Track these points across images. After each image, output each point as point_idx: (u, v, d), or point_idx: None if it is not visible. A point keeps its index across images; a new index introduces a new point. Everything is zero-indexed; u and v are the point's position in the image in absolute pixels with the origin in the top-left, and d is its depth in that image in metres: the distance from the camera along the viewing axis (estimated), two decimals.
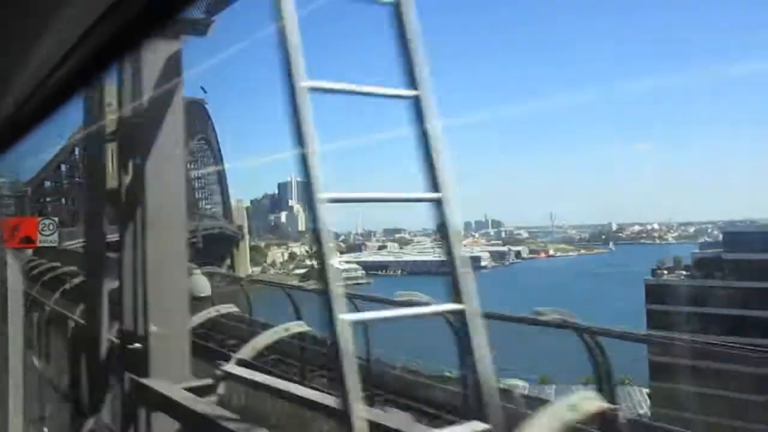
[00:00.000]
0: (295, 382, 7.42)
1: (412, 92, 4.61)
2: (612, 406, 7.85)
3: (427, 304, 7.26)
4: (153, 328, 6.24)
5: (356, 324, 3.94)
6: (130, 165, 7.52)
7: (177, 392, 5.77)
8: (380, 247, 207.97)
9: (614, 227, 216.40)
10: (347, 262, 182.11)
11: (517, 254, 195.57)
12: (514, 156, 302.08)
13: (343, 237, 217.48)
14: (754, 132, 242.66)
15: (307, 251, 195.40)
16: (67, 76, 2.17)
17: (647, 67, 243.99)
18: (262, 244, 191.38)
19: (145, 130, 7.03)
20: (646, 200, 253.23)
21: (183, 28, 6.76)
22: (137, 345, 6.43)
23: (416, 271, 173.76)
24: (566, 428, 6.17)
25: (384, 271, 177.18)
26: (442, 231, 4.49)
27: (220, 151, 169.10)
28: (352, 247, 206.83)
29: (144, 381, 6.21)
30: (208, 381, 6.12)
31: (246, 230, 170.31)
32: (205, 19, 6.97)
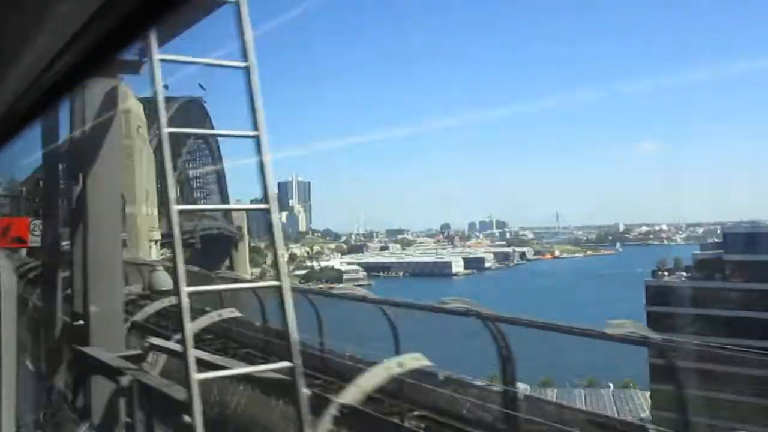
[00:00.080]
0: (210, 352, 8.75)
1: (254, 132, 6.41)
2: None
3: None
4: (93, 308, 7.89)
5: (193, 294, 6.17)
6: (79, 179, 9.07)
7: (112, 359, 7.25)
8: (382, 248, 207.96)
9: (621, 228, 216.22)
10: (348, 263, 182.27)
11: (522, 255, 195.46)
12: (520, 156, 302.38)
13: (344, 238, 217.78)
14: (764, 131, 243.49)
15: (307, 252, 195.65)
16: (60, 75, 2.16)
17: (652, 65, 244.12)
18: (262, 245, 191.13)
19: (87, 152, 8.76)
20: (654, 201, 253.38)
21: (120, 68, 8.32)
22: (81, 322, 8.04)
23: (418, 272, 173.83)
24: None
25: (386, 272, 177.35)
26: (269, 230, 6.55)
27: (219, 150, 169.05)
28: (353, 247, 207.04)
29: (85, 349, 7.70)
30: (139, 351, 7.55)
31: (245, 231, 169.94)
32: (138, 60, 8.29)
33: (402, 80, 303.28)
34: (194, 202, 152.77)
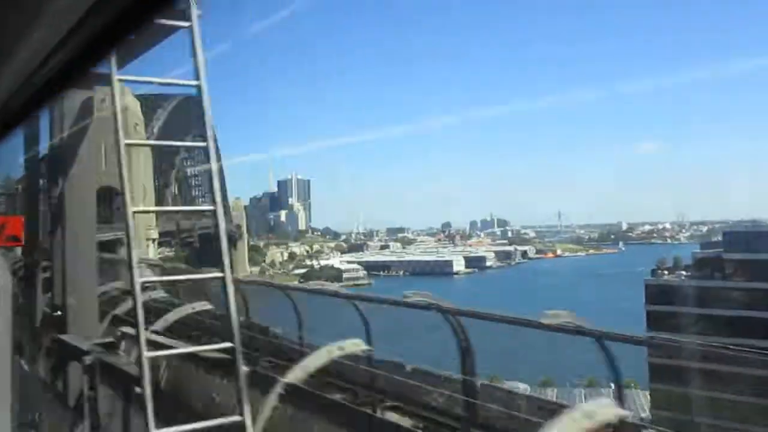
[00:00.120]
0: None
1: (203, 143, 7.51)
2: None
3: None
4: (70, 300, 8.91)
5: (147, 284, 7.66)
6: (59, 182, 10.04)
7: (84, 345, 8.32)
8: (382, 247, 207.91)
9: (624, 227, 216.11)
10: (348, 262, 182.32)
11: (524, 254, 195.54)
12: (521, 154, 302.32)
13: (344, 236, 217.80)
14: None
15: (307, 251, 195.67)
16: (54, 71, 2.16)
17: (653, 64, 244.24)
18: (261, 244, 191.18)
19: (67, 158, 9.66)
20: (658, 199, 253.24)
21: (94, 80, 9.00)
22: (59, 312, 9.09)
23: (419, 271, 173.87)
24: None
25: (386, 271, 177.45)
26: (216, 230, 7.37)
27: (217, 148, 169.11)
28: (353, 246, 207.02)
29: (62, 337, 8.78)
30: (112, 339, 8.58)
31: (244, 229, 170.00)
32: (109, 74, 8.58)
33: (403, 79, 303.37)
34: (192, 200, 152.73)
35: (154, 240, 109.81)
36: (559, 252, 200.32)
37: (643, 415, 54.67)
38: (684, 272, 65.20)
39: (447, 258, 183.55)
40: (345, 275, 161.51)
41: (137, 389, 6.65)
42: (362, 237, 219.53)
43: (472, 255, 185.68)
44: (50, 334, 8.68)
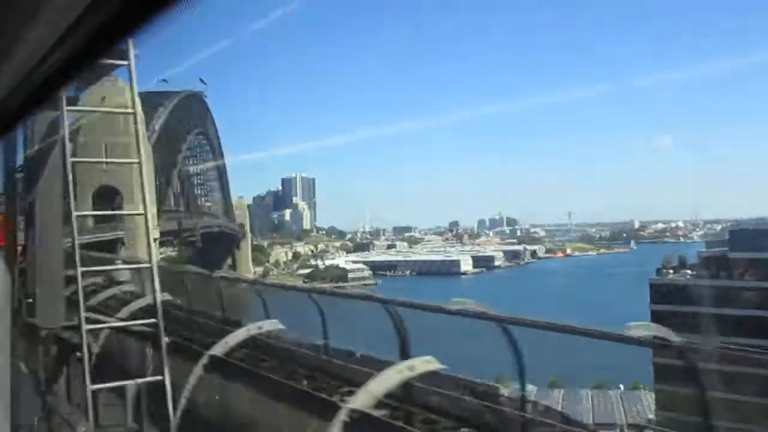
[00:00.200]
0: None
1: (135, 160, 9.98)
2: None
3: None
4: (37, 289, 10.03)
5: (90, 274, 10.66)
6: (33, 190, 10.99)
7: (53, 326, 9.91)
8: (389, 246, 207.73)
9: (636, 225, 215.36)
10: (354, 261, 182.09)
11: (533, 253, 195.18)
12: (531, 151, 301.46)
13: (350, 235, 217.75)
14: None
15: (312, 250, 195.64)
16: (53, 70, 2.18)
17: (661, 59, 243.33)
18: (265, 244, 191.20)
19: (38, 170, 10.76)
20: (671, 196, 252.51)
21: (62, 101, 9.94)
22: (30, 300, 10.10)
23: (425, 271, 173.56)
24: None
25: (392, 271, 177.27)
26: (146, 231, 9.18)
27: (220, 146, 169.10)
28: (359, 246, 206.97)
29: (31, 320, 9.89)
30: (75, 322, 9.59)
31: (248, 229, 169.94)
32: (75, 96, 10.59)
33: (412, 75, 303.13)
34: (195, 199, 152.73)
35: (155, 240, 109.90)
36: (569, 251, 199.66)
37: (650, 416, 54.73)
38: (689, 271, 65.06)
39: (454, 258, 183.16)
40: (350, 275, 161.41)
41: (78, 354, 8.92)
42: (368, 236, 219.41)
43: (480, 254, 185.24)
44: (23, 318, 10.09)
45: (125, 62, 9.50)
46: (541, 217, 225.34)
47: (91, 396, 8.78)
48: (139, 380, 9.16)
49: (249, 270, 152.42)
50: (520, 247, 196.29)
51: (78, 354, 9.04)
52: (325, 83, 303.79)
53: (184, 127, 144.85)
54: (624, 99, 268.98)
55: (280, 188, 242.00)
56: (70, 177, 9.81)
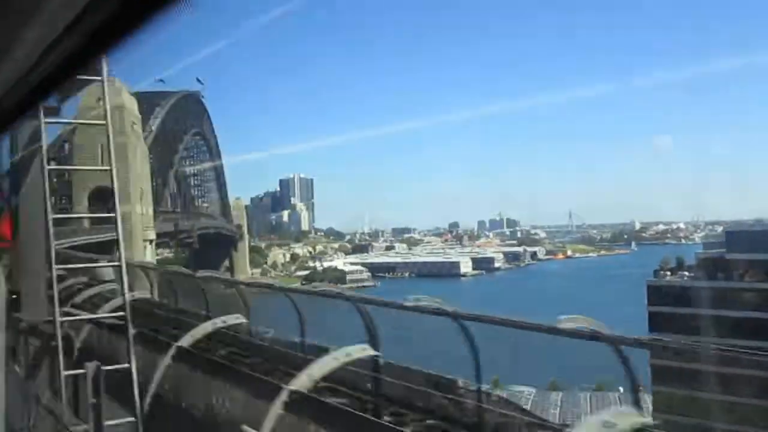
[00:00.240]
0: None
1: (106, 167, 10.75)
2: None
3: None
4: (22, 287, 10.98)
5: (60, 269, 11.56)
6: (14, 198, 11.85)
7: (38, 322, 10.94)
8: (388, 248, 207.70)
9: (637, 226, 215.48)
10: (352, 263, 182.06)
11: (533, 255, 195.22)
12: (532, 151, 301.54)
13: (348, 237, 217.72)
14: None
15: (310, 252, 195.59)
16: (51, 69, 2.18)
17: (664, 58, 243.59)
18: (263, 245, 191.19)
19: (20, 178, 11.58)
20: (672, 197, 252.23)
21: (42, 113, 10.62)
22: (14, 295, 10.84)
23: (425, 273, 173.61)
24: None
25: (391, 273, 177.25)
26: (116, 232, 10.38)
27: (217, 146, 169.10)
28: (358, 247, 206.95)
29: (16, 315, 10.75)
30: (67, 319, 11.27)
31: (245, 230, 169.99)
32: (57, 106, 11.05)
33: (411, 75, 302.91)
34: (192, 200, 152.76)
35: (151, 241, 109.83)
36: (569, 253, 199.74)
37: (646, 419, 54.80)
38: (687, 273, 65.04)
39: (454, 259, 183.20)
40: (348, 277, 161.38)
41: (53, 343, 10.04)
42: (367, 237, 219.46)
43: (480, 256, 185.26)
44: (9, 313, 10.54)
45: (99, 78, 10.62)
46: (541, 218, 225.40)
47: (65, 380, 9.92)
48: (109, 367, 9.92)
49: (246, 272, 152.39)
50: (520, 249, 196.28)
51: (53, 342, 10.24)
52: (323, 83, 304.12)
53: (181, 127, 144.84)
54: (625, 99, 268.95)
55: (278, 189, 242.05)
56: (47, 184, 10.90)
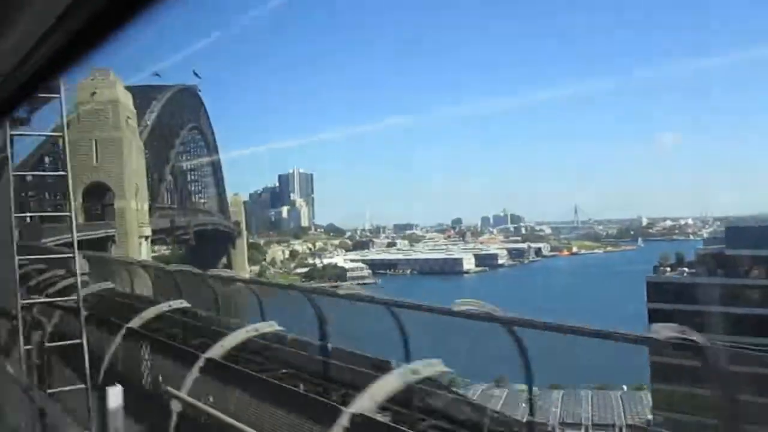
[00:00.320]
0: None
1: (62, 173, 14.16)
2: None
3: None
4: None
5: (23, 260, 14.42)
6: None
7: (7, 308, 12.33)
8: (389, 244, 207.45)
9: (644, 222, 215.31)
10: (352, 260, 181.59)
11: (537, 252, 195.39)
12: (537, 146, 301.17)
13: (349, 233, 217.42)
14: None
15: (309, 249, 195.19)
16: (37, 67, 2.34)
17: (668, 55, 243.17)
18: (262, 242, 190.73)
19: None
20: (680, 193, 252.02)
21: (10, 122, 11.29)
22: None
23: (427, 270, 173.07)
24: None
25: (392, 269, 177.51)
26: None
27: (214, 141, 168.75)
28: (358, 243, 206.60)
29: None
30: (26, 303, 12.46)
31: (243, 226, 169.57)
32: (27, 117, 11.89)
33: (415, 69, 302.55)
34: (189, 196, 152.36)
35: (147, 237, 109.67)
36: (575, 249, 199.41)
37: (649, 417, 54.84)
38: (687, 269, 64.99)
39: (457, 256, 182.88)
40: (349, 274, 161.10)
41: (14, 323, 11.69)
42: (368, 234, 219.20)
43: (484, 253, 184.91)
44: None
45: (57, 95, 11.45)
46: (546, 214, 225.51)
47: (25, 354, 11.83)
48: (62, 343, 12.30)
49: (245, 269, 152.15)
50: (524, 245, 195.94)
51: (13, 322, 11.93)
52: (323, 77, 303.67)
53: (178, 121, 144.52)
54: (632, 93, 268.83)
55: (277, 184, 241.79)
56: (12, 189, 12.25)
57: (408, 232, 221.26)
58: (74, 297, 12.51)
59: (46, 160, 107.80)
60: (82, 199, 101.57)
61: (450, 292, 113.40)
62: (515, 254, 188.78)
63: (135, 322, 13.75)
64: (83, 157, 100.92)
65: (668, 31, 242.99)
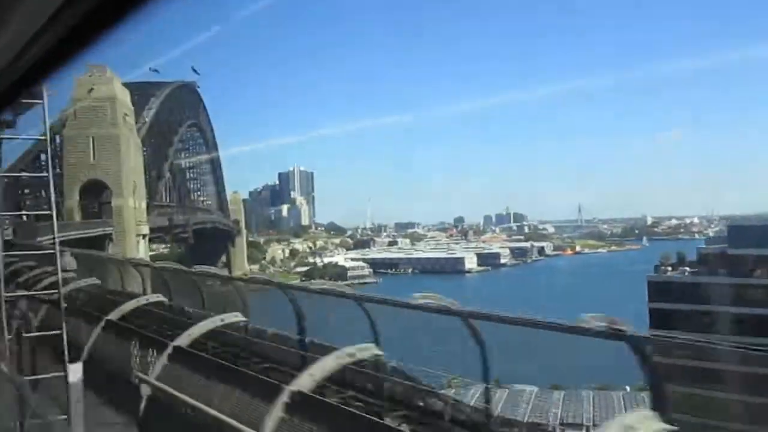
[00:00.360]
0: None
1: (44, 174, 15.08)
2: None
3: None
4: None
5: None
6: None
7: None
8: (390, 243, 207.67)
9: (649, 221, 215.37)
10: (353, 259, 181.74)
11: (540, 251, 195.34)
12: (540, 143, 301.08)
13: (350, 232, 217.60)
14: None
15: (310, 247, 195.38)
16: (36, 59, 2.30)
17: (680, 47, 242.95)
18: (261, 240, 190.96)
19: None
20: (686, 192, 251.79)
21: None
22: None
23: (428, 269, 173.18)
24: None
25: (394, 269, 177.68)
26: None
27: (214, 138, 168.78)
28: (359, 242, 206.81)
29: None
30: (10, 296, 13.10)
31: (243, 225, 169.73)
32: (12, 119, 11.77)
33: (416, 65, 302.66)
34: (187, 194, 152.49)
35: (144, 236, 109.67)
36: (578, 248, 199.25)
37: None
38: (688, 268, 64.86)
39: (459, 255, 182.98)
40: (349, 273, 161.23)
41: None
42: (369, 233, 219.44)
43: (486, 252, 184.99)
44: None
45: (40, 101, 11.35)
46: (550, 212, 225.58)
47: (8, 344, 12.51)
48: (43, 333, 13.08)
49: (244, 268, 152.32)
50: (527, 244, 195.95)
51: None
52: (324, 72, 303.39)
53: (176, 118, 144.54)
54: (637, 90, 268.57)
55: (278, 182, 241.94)
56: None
57: (410, 230, 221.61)
58: (55, 291, 13.43)
59: (42, 157, 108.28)
60: (79, 196, 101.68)
61: (451, 291, 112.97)
62: (518, 253, 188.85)
63: (114, 315, 14.89)
64: (80, 154, 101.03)
65: (667, 25, 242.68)
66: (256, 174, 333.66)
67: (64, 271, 19.77)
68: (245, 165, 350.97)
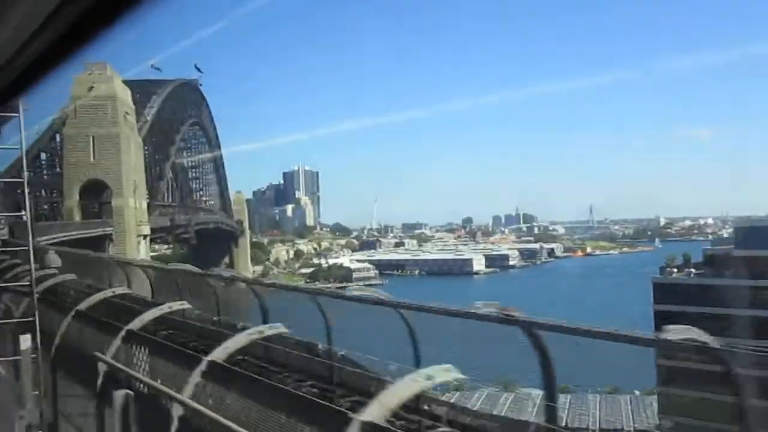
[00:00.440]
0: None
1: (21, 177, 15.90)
2: None
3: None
4: None
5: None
6: None
7: None
8: (397, 244, 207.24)
9: (662, 222, 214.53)
10: (359, 260, 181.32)
11: (550, 252, 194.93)
12: (551, 142, 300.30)
13: (356, 233, 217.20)
14: None
15: (315, 248, 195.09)
16: (35, 56, 2.41)
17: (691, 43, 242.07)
18: (265, 241, 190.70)
19: None
20: (700, 192, 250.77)
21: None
22: None
23: (436, 270, 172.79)
24: None
25: (400, 270, 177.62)
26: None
27: (216, 137, 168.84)
28: (365, 243, 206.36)
29: None
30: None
31: (246, 225, 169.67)
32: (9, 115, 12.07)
33: (425, 63, 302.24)
34: (190, 193, 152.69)
35: (145, 236, 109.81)
36: (589, 250, 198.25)
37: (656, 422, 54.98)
38: (694, 270, 64.93)
39: (466, 256, 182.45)
40: (355, 275, 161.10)
41: None
42: (375, 233, 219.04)
43: (494, 253, 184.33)
44: None
45: (16, 114, 11.94)
46: (560, 213, 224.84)
47: None
48: (15, 320, 14.66)
49: (248, 269, 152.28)
50: (536, 246, 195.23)
51: None
52: (328, 71, 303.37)
53: (178, 117, 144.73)
54: (650, 88, 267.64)
55: (282, 182, 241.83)
56: None
57: (417, 231, 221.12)
58: (27, 282, 14.76)
59: (42, 156, 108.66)
60: (78, 196, 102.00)
61: (458, 293, 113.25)
62: (527, 255, 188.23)
63: (82, 305, 16.11)
64: (80, 153, 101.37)
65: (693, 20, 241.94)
66: (260, 173, 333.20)
67: (48, 267, 22.20)
68: (249, 164, 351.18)
